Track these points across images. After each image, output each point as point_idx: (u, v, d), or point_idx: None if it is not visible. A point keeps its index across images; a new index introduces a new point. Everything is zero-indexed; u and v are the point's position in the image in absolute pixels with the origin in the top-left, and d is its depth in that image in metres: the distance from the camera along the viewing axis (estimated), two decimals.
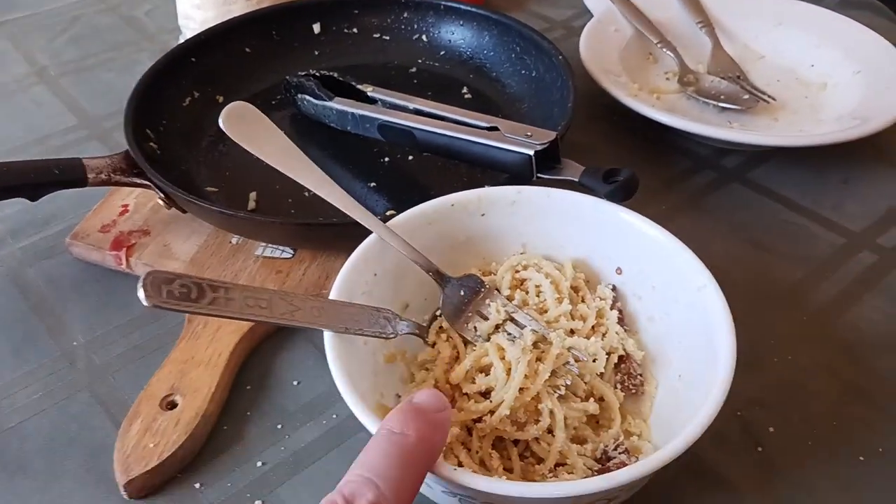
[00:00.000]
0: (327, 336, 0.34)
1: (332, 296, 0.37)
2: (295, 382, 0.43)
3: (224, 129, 0.41)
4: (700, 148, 0.61)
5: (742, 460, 0.39)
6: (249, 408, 0.42)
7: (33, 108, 0.67)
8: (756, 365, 0.44)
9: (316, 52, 0.67)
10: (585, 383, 0.38)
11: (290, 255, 0.49)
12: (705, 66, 0.68)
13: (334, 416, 0.41)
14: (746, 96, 0.63)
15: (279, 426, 0.41)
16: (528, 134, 0.45)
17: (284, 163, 0.41)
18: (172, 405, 0.40)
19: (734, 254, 0.51)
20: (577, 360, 0.38)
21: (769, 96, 0.63)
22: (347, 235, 0.41)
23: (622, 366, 0.40)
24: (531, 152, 0.45)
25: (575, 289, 0.42)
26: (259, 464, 0.39)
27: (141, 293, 0.29)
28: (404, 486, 0.27)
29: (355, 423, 0.41)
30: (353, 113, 0.53)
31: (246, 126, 0.42)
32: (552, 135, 0.45)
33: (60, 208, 0.55)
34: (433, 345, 0.40)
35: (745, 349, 0.44)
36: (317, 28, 0.67)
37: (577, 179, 0.44)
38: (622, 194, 0.41)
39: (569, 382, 0.37)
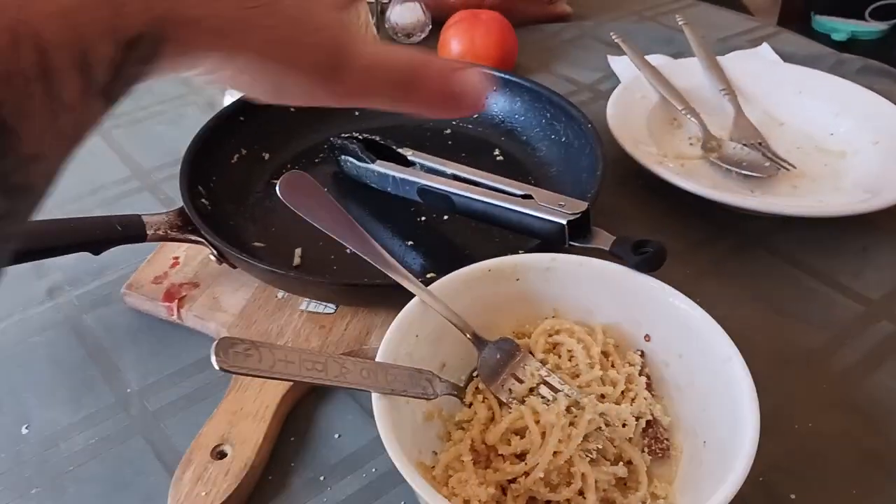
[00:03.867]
0: (375, 398, 0.37)
1: (379, 357, 0.39)
2: (336, 436, 0.45)
3: (281, 197, 0.44)
4: (723, 214, 0.63)
5: None
6: (293, 459, 0.44)
7: (88, 159, 0.71)
8: (778, 430, 0.45)
9: (356, 113, 0.70)
10: (615, 447, 0.40)
11: (332, 311, 0.51)
12: (728, 132, 0.70)
13: (374, 470, 0.43)
14: (767, 164, 0.66)
15: (322, 478, 0.43)
16: (562, 203, 0.48)
17: (337, 230, 0.44)
18: (222, 455, 0.42)
19: (757, 319, 0.53)
20: (607, 425, 0.40)
21: (789, 164, 0.66)
22: (388, 295, 0.44)
23: (650, 430, 0.42)
24: (564, 221, 0.47)
25: (605, 353, 0.44)
26: None
27: (214, 359, 0.31)
28: None
29: (393, 479, 0.43)
30: (394, 176, 0.56)
31: (301, 194, 0.45)
32: (584, 205, 0.48)
33: (115, 258, 0.57)
34: (470, 405, 0.42)
35: (766, 414, 0.46)
36: None
37: (607, 249, 0.46)
38: (651, 265, 0.44)
39: (600, 447, 0.39)
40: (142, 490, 0.42)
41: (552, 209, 0.48)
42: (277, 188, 0.44)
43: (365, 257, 0.43)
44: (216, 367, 0.31)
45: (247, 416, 0.44)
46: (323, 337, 0.50)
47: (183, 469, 0.41)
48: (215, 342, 0.32)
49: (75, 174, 0.70)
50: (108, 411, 0.47)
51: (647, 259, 0.43)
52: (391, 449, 0.34)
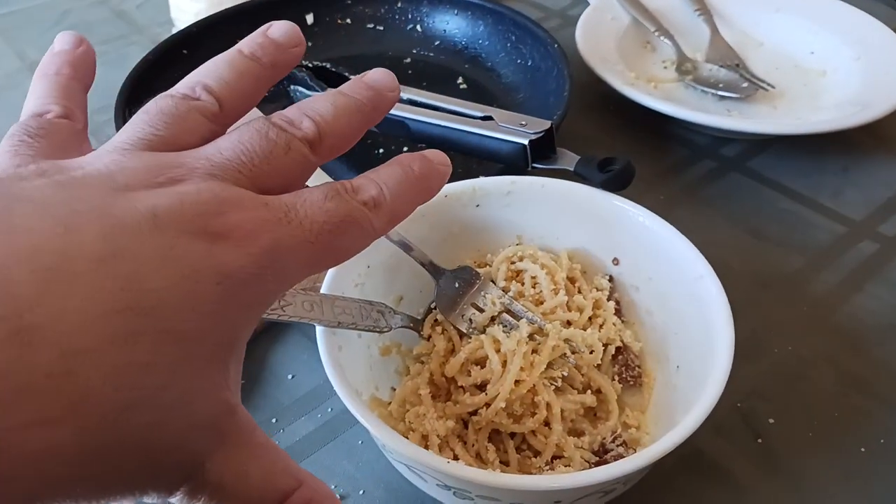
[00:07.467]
0: (319, 331, 0.34)
1: (324, 289, 0.36)
2: (290, 376, 0.43)
3: None
4: (698, 137, 0.60)
5: (742, 452, 0.39)
6: (244, 401, 0.41)
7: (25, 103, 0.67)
8: (756, 355, 0.43)
9: (309, 44, 0.65)
10: (582, 375, 0.37)
11: None
12: (703, 54, 0.67)
13: (329, 410, 0.41)
14: (745, 84, 0.63)
15: (274, 420, 0.40)
16: (523, 123, 0.45)
17: None
18: None
19: (733, 243, 0.51)
20: (573, 352, 0.37)
21: (768, 84, 0.63)
22: None
23: (620, 357, 0.39)
24: (525, 141, 0.44)
25: (571, 279, 0.42)
26: None
27: None
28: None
29: (350, 417, 0.41)
30: None
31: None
32: (547, 124, 0.44)
33: None
34: (428, 338, 0.40)
35: (744, 339, 0.44)
36: (310, 19, 0.67)
37: (572, 169, 0.43)
38: (618, 184, 0.41)
39: (565, 374, 0.37)
40: None
41: (513, 129, 0.45)
42: None
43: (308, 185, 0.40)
44: None
45: None
46: None
47: None
48: None
49: (10, 118, 0.65)
50: None
51: (613, 177, 0.41)
52: (336, 382, 0.31)
